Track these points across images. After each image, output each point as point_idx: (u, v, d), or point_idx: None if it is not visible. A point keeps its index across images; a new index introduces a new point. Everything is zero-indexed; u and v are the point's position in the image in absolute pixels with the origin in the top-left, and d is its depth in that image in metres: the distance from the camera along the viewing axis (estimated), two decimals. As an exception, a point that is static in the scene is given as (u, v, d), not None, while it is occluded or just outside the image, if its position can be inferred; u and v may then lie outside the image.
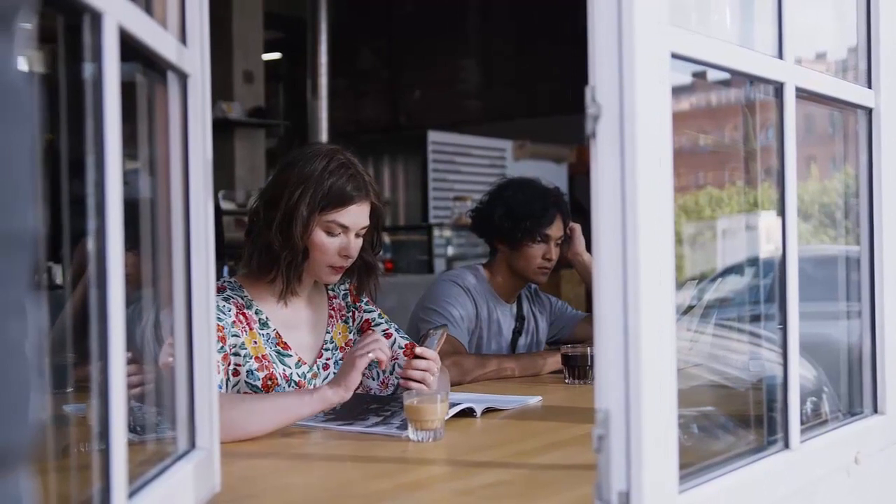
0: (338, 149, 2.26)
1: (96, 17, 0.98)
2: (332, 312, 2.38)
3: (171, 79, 1.32)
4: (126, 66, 1.06)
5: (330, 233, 2.19)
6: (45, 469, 1.09)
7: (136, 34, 1.10)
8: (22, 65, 0.54)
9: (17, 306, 0.54)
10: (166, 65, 1.28)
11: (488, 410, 2.17)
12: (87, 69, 1.00)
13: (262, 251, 2.20)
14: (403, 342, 2.37)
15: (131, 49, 1.10)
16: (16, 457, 0.54)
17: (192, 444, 1.36)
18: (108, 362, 1.00)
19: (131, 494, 1.07)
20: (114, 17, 1.00)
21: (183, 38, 1.34)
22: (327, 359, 2.32)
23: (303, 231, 2.16)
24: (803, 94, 1.56)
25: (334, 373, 2.30)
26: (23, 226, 0.53)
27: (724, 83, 1.71)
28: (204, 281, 1.37)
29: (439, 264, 7.30)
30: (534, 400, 2.34)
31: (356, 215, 2.20)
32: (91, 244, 1.00)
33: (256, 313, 2.22)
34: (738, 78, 1.60)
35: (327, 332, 2.35)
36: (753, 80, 1.55)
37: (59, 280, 2.58)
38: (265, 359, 2.18)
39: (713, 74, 1.53)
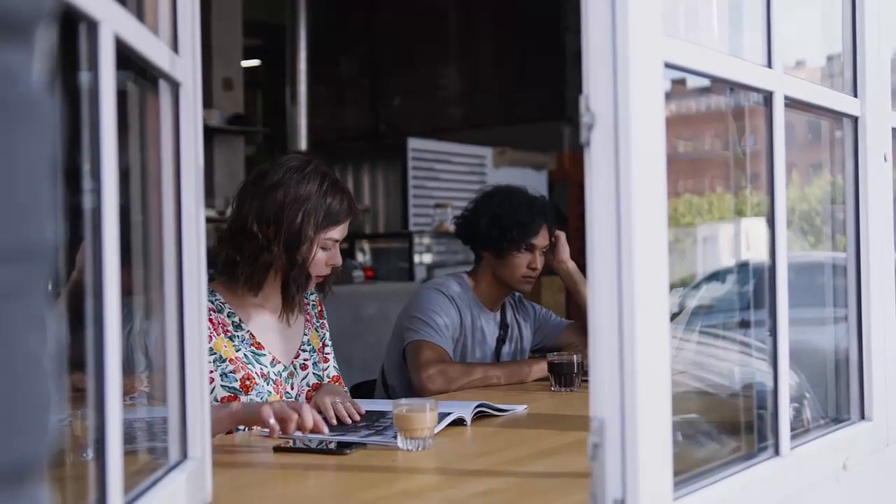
0: (319, 162, 2.34)
1: (93, 26, 0.97)
2: (308, 317, 2.46)
3: (163, 87, 1.32)
4: (118, 74, 1.05)
5: (324, 248, 2.29)
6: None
7: (131, 43, 1.09)
8: (41, 75, 0.54)
9: (37, 318, 0.53)
10: (159, 73, 1.27)
11: (479, 415, 2.18)
12: (83, 77, 1.00)
13: (262, 269, 2.24)
14: (333, 373, 2.46)
15: (124, 57, 1.09)
16: (36, 469, 0.53)
17: (184, 455, 1.35)
18: (103, 372, 0.99)
19: (126, 506, 1.06)
20: (110, 26, 1.00)
21: (175, 47, 1.33)
22: (305, 359, 2.39)
23: (308, 252, 2.24)
24: (791, 103, 1.57)
25: (313, 373, 2.40)
26: (42, 237, 0.53)
27: (703, 90, 1.72)
28: (196, 290, 1.36)
29: (420, 272, 7.28)
30: (520, 408, 2.34)
31: (345, 228, 2.32)
32: (87, 252, 1.00)
33: (229, 316, 2.26)
34: (718, 85, 1.61)
35: (304, 334, 2.42)
36: (743, 88, 1.56)
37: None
38: (239, 360, 2.23)
39: (692, 82, 1.54)
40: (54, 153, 0.56)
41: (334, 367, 2.51)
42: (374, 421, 2.13)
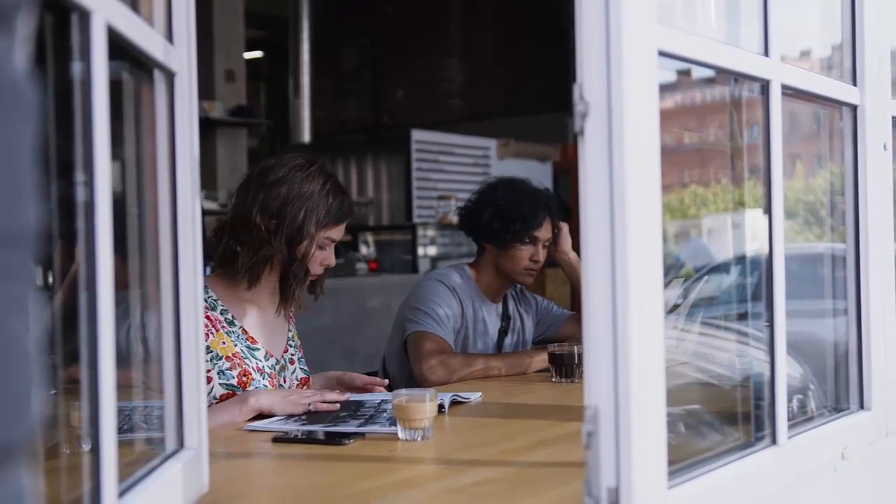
0: (322, 163, 2.37)
1: (84, 16, 0.97)
2: (291, 314, 2.49)
3: (158, 77, 1.32)
4: (112, 64, 1.05)
5: (321, 247, 2.31)
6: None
7: (124, 32, 1.09)
8: (22, 62, 0.54)
9: (20, 303, 0.54)
10: (153, 63, 1.27)
11: (454, 403, 2.22)
12: (75, 68, 1.00)
13: (261, 262, 2.27)
14: (301, 375, 2.45)
15: (117, 47, 1.09)
16: (18, 453, 0.54)
17: (181, 444, 1.35)
18: (97, 363, 0.99)
19: (121, 494, 1.07)
20: (102, 16, 1.00)
21: (170, 37, 1.33)
22: (291, 354, 2.44)
23: (308, 248, 2.27)
24: (789, 92, 1.57)
25: (300, 368, 2.44)
26: (25, 223, 0.53)
27: (708, 81, 1.72)
28: (192, 281, 1.37)
29: (423, 264, 7.29)
30: (475, 396, 2.36)
31: (342, 230, 2.36)
32: (80, 245, 1.00)
33: (222, 313, 2.28)
34: (723, 76, 1.60)
35: (289, 330, 2.46)
36: (740, 77, 1.56)
37: (39, 282, 2.57)
38: (236, 357, 2.25)
39: (697, 72, 1.54)
40: (37, 140, 0.56)
41: (302, 368, 2.52)
42: (355, 411, 2.13)
